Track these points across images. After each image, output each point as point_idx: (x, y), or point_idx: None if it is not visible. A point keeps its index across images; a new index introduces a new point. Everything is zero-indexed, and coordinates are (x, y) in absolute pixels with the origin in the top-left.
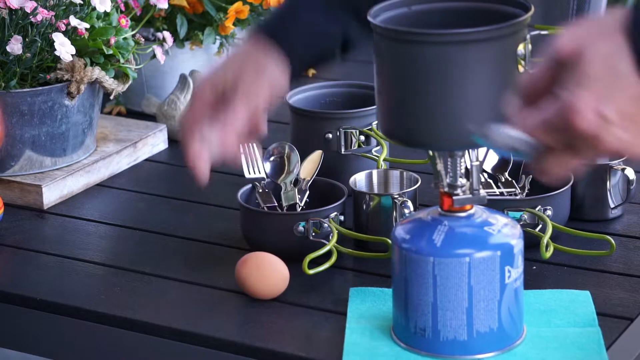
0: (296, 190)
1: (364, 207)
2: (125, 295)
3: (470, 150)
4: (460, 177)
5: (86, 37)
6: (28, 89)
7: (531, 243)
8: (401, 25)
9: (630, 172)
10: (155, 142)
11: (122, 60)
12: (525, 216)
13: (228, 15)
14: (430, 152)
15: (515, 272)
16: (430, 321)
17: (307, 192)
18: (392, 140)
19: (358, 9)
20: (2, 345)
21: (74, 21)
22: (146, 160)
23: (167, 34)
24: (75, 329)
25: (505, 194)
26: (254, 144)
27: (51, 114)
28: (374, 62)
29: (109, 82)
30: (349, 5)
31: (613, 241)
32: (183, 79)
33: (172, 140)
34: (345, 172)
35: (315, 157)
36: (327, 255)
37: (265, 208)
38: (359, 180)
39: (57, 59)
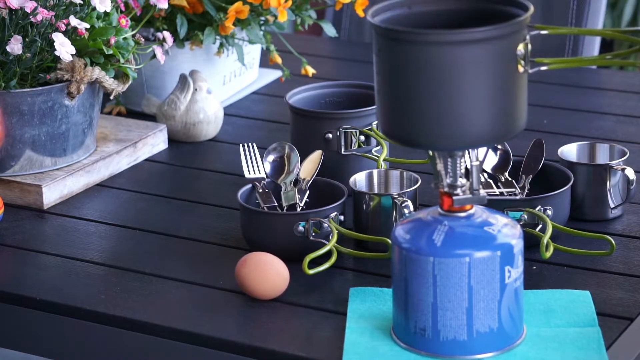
0: (296, 190)
1: (364, 207)
2: (125, 295)
3: (470, 150)
4: (460, 177)
5: (86, 37)
6: (28, 89)
7: (531, 243)
8: (401, 25)
9: (630, 172)
10: (155, 142)
11: (122, 60)
12: (525, 216)
13: (228, 15)
14: (430, 152)
15: (515, 272)
16: (430, 321)
17: (307, 192)
18: (392, 140)
19: None
20: (2, 345)
21: (74, 21)
22: (146, 160)
23: (167, 34)
24: (75, 329)
25: (505, 194)
26: (254, 144)
27: (51, 114)
28: (374, 62)
29: (109, 82)
30: None
31: (613, 241)
32: (183, 79)
33: (172, 140)
34: (345, 172)
35: (315, 157)
36: (327, 256)
37: (265, 208)
38: (359, 180)
39: (57, 59)
